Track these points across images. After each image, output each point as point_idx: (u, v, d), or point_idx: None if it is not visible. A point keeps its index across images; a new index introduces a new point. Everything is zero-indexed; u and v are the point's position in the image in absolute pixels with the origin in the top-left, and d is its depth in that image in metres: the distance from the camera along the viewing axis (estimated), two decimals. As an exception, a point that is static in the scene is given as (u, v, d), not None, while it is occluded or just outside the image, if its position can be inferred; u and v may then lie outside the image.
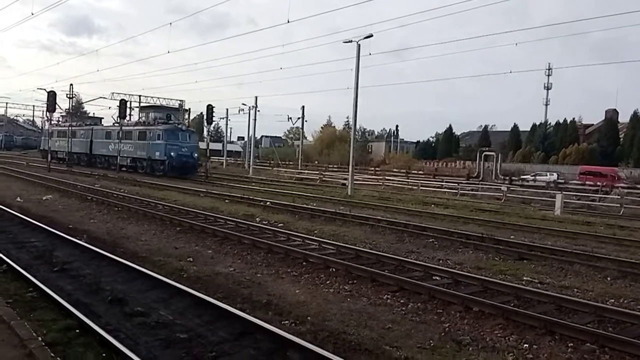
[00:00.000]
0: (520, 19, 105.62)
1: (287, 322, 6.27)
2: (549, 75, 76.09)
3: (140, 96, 47.48)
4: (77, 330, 5.50)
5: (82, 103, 63.88)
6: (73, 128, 46.58)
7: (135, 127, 39.37)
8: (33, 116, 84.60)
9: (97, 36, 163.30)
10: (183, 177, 33.35)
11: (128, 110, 42.73)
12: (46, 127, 51.76)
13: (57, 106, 41.37)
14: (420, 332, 6.22)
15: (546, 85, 77.90)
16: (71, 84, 41.75)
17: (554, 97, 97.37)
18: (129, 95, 45.25)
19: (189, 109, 51.98)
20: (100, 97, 47.67)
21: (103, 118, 53.32)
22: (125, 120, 41.24)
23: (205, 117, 42.77)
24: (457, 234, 13.92)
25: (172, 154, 34.68)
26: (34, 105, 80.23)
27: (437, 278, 8.97)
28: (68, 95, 42.51)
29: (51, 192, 21.48)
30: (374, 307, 7.22)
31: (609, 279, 9.63)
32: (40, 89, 45.41)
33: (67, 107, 46.26)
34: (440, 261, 10.72)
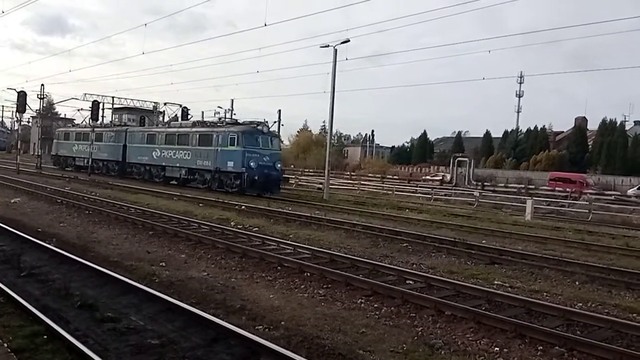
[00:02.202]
0: (494, 27, 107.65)
1: (260, 327, 6.24)
2: (520, 83, 77.43)
3: (113, 97, 46.84)
4: (45, 336, 5.37)
5: (54, 104, 62.70)
6: (98, 129, 39.59)
7: (195, 129, 30.41)
8: (2, 117, 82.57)
9: (71, 36, 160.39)
10: (264, 196, 25.57)
11: (101, 112, 42.10)
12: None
13: (27, 107, 40.55)
14: (394, 336, 6.26)
15: (518, 92, 79.38)
16: (42, 84, 40.95)
17: (526, 104, 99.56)
18: (102, 96, 44.59)
19: (164, 111, 51.44)
20: (73, 98, 46.48)
21: (75, 119, 52.23)
22: (178, 121, 35.79)
23: (180, 119, 42.31)
24: (430, 239, 14.08)
25: (251, 164, 25.77)
26: (2, 106, 78.27)
27: (411, 282, 9.05)
28: (39, 96, 41.62)
29: (20, 195, 20.95)
30: (348, 312, 7.24)
31: (577, 283, 9.86)
32: (10, 89, 44.03)
33: (38, 108, 45.25)
34: (414, 265, 10.83)
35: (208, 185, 28.15)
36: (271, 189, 26.57)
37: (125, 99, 47.47)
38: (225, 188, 26.88)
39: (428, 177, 52.32)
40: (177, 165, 30.43)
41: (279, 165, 27.59)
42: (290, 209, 20.22)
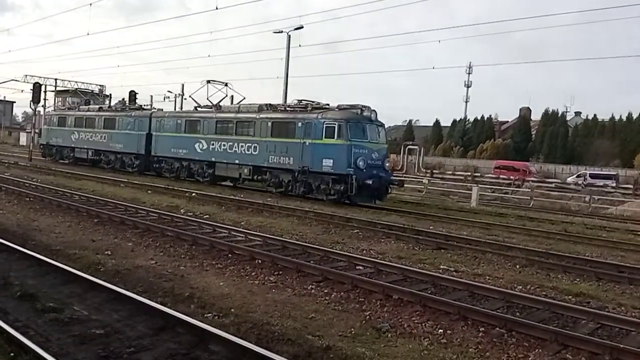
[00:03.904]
0: (444, 17, 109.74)
1: (210, 314, 6.20)
2: (469, 74, 79.52)
3: (56, 79, 44.87)
4: (-19, 329, 5.14)
5: (-10, 85, 59.26)
6: (108, 114, 31.92)
7: (264, 115, 22.51)
8: None
9: (11, 14, 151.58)
10: (369, 205, 19.64)
11: (43, 94, 40.18)
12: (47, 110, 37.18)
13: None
14: (342, 321, 6.37)
15: (467, 82, 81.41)
16: (-22, 65, 38.62)
17: (474, 94, 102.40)
18: (45, 78, 42.61)
19: (110, 94, 49.73)
20: (12, 80, 44.12)
21: (15, 102, 49.67)
22: (244, 102, 26.03)
23: (127, 103, 41.03)
24: (380, 225, 14.36)
25: (360, 164, 19.22)
26: None
27: (361, 268, 9.21)
28: (-26, 77, 39.29)
29: (-48, 181, 19.80)
30: (299, 298, 7.30)
31: (518, 266, 10.32)
32: (-57, 69, 41.11)
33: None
34: (364, 251, 11.01)
35: (286, 190, 21.39)
36: (380, 196, 20.24)
37: (69, 81, 45.60)
38: (317, 195, 20.29)
39: None
40: (236, 161, 23.21)
41: (387, 164, 21.33)
42: (242, 196, 20.07)
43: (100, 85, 47.63)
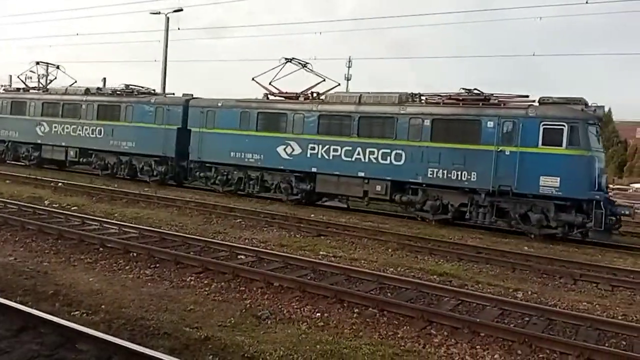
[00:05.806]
0: (325, 11, 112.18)
1: (77, 312, 5.80)
2: (349, 67, 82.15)
3: None
4: None
5: None
6: (107, 99, 22.78)
7: (413, 109, 16.06)
8: None
9: None
10: (610, 243, 13.94)
11: None
12: None
13: None
14: (222, 311, 6.32)
15: (346, 76, 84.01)
16: None
17: (354, 87, 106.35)
18: None
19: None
20: None
21: None
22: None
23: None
24: (263, 214, 14.44)
25: (602, 184, 14.06)
26: None
27: (242, 257, 9.21)
28: None
29: None
30: (176, 290, 7.11)
31: (390, 250, 10.99)
32: None
33: None
34: (246, 240, 11.01)
35: (455, 217, 15.64)
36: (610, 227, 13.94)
37: None
38: (520, 226, 14.53)
39: None
40: (360, 174, 16.56)
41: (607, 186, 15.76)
42: (116, 186, 18.96)
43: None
